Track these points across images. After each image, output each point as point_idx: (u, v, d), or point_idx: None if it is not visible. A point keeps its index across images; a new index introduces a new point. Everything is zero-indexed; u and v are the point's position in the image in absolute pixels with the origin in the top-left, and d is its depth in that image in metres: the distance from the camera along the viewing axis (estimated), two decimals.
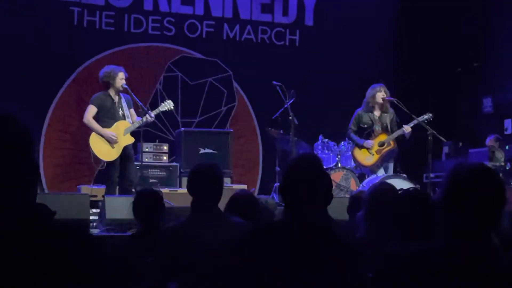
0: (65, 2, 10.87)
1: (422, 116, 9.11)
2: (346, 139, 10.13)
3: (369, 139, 9.27)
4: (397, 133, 9.19)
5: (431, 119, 9.09)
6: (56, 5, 10.80)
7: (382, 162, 9.30)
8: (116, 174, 8.68)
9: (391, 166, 9.44)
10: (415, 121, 9.06)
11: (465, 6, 11.95)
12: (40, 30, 10.61)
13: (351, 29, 12.22)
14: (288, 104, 9.53)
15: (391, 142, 9.25)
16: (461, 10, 12.02)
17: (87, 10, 11.01)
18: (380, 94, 9.25)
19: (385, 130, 9.30)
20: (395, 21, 12.63)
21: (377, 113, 9.32)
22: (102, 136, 8.64)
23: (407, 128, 9.08)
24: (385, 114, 9.33)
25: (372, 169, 9.33)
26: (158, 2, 11.46)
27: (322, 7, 12.29)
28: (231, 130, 10.98)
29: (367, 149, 9.25)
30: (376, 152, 9.25)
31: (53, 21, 10.73)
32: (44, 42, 10.62)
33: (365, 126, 9.31)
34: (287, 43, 12.23)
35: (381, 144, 9.23)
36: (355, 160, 9.50)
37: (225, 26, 11.89)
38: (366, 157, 9.31)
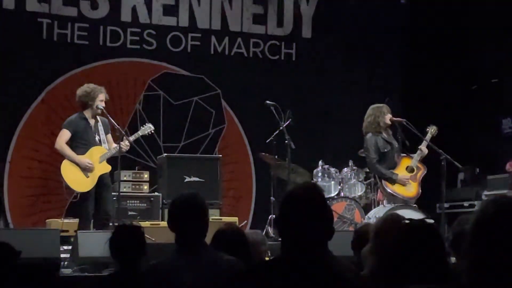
0: (33, 13, 10.88)
1: (427, 131, 9.09)
2: (349, 172, 10.12)
3: (390, 167, 9.16)
4: (418, 155, 9.13)
5: (436, 132, 9.07)
6: (22, 17, 10.81)
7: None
8: (91, 207, 8.65)
9: None
10: (425, 141, 9.04)
11: (481, 18, 12.01)
12: (4, 44, 10.61)
13: (354, 41, 12.27)
14: (284, 126, 9.54)
15: (420, 166, 9.18)
16: (477, 21, 12.08)
17: (57, 22, 11.03)
18: (388, 117, 9.23)
19: (400, 152, 9.26)
20: (403, 32, 12.69)
21: (385, 134, 9.29)
22: (76, 164, 8.63)
23: (424, 149, 9.06)
24: (389, 135, 9.34)
25: (414, 201, 9.17)
26: (137, 12, 11.49)
27: (321, 18, 12.34)
28: (220, 155, 10.97)
29: (402, 183, 9.11)
30: (412, 180, 9.13)
31: (19, 34, 10.74)
32: (9, 58, 10.62)
33: (385, 150, 9.16)
34: (282, 58, 12.27)
35: (411, 170, 9.15)
36: (393, 194, 9.09)
37: (213, 39, 11.92)
38: (406, 188, 9.07)
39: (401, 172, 9.10)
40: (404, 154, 9.27)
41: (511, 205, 2.24)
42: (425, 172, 9.18)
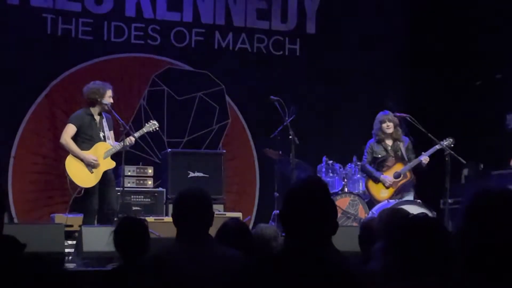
0: (37, 9, 10.88)
1: (441, 142, 9.14)
2: (353, 167, 10.23)
3: (382, 169, 9.40)
4: (413, 163, 9.27)
5: (452, 145, 9.14)
6: (26, 12, 10.80)
7: (398, 195, 9.34)
8: (95, 202, 8.67)
9: (409, 196, 9.43)
10: (433, 149, 9.15)
11: (486, 12, 11.98)
12: (8, 40, 10.60)
13: (358, 37, 12.25)
14: (288, 121, 9.54)
15: (407, 174, 9.33)
16: (481, 16, 12.06)
17: (61, 17, 11.03)
18: (385, 126, 9.39)
19: (400, 159, 9.39)
20: (408, 28, 12.66)
21: (389, 142, 9.44)
22: (80, 159, 8.64)
23: (425, 159, 9.18)
24: (398, 142, 9.42)
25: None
26: (141, 8, 11.49)
27: (325, 13, 12.33)
28: (224, 151, 10.97)
29: (384, 184, 9.33)
30: (393, 185, 9.32)
31: (23, 30, 10.74)
32: (13, 53, 10.62)
33: (379, 156, 9.49)
34: (286, 53, 12.26)
35: (397, 176, 9.32)
36: (370, 194, 9.62)
37: (217, 34, 11.91)
38: (381, 191, 9.45)
39: (388, 175, 9.38)
40: (405, 159, 9.38)
41: (503, 194, 2.23)
42: (410, 180, 9.34)
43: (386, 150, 9.47)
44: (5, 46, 10.58)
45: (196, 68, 11.77)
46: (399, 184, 9.36)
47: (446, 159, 8.96)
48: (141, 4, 11.48)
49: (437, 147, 9.18)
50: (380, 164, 9.46)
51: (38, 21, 10.87)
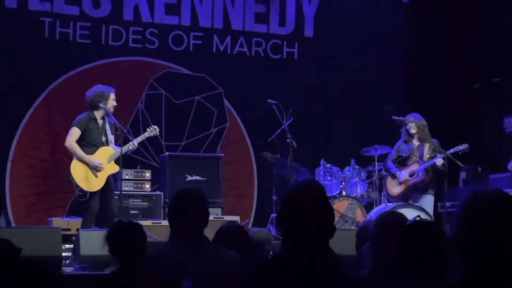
0: (35, 12, 10.88)
1: (457, 147, 9.15)
2: (351, 170, 10.25)
3: (403, 167, 9.47)
4: (427, 163, 9.26)
5: (467, 151, 9.15)
6: (24, 15, 10.81)
7: (410, 193, 9.34)
8: (96, 206, 8.69)
9: (426, 196, 9.42)
10: (449, 152, 9.16)
11: (484, 17, 12.00)
12: (6, 43, 10.60)
13: (356, 41, 12.26)
14: (286, 125, 9.54)
15: (420, 173, 9.33)
16: (480, 20, 12.07)
17: (59, 21, 11.03)
18: (408, 127, 9.46)
19: (421, 159, 9.41)
20: (406, 31, 12.68)
21: (416, 142, 9.47)
22: (86, 163, 8.65)
23: (439, 161, 9.17)
24: (425, 144, 9.43)
25: (398, 200, 9.37)
26: (139, 11, 11.49)
27: (324, 17, 12.34)
28: (222, 154, 10.96)
29: (398, 179, 9.40)
30: (404, 182, 9.34)
31: (21, 33, 10.74)
32: (11, 56, 10.62)
33: (403, 154, 9.59)
34: (284, 57, 12.27)
35: (412, 174, 9.34)
36: (385, 189, 9.66)
37: (215, 38, 11.92)
38: (394, 187, 9.53)
39: (406, 172, 9.43)
40: (423, 160, 9.42)
41: (499, 197, 2.23)
42: (421, 180, 9.31)
43: (411, 150, 9.51)
44: (3, 49, 10.58)
45: (194, 71, 11.77)
46: (410, 182, 9.35)
47: (444, 162, 8.96)
48: (139, 8, 11.48)
49: (454, 150, 9.19)
50: (402, 162, 9.56)
51: (36, 25, 10.87)
